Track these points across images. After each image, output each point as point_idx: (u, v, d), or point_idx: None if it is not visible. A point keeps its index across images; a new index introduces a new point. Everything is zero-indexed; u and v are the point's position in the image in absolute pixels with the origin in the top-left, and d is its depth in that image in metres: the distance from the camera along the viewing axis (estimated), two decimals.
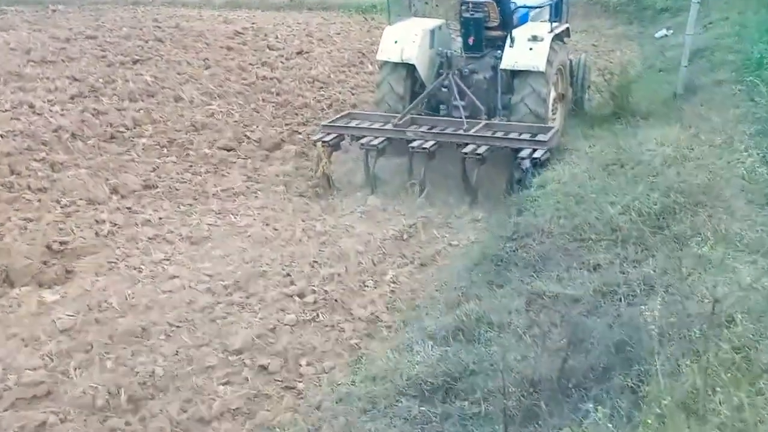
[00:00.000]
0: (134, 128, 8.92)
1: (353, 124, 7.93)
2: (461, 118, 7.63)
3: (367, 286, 5.73)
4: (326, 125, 7.93)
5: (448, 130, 7.55)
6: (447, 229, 6.81)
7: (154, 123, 9.15)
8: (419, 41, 8.03)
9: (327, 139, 7.62)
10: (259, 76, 11.19)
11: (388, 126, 7.66)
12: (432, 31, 8.30)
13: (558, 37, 8.13)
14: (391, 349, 4.58)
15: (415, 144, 7.26)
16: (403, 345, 4.61)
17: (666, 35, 13.46)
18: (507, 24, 7.96)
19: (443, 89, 8.09)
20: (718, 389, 3.25)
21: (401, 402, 3.99)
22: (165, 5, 17.62)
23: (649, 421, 3.01)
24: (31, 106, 9.07)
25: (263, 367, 4.62)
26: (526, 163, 6.82)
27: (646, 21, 15.18)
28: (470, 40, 8.10)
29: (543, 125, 7.52)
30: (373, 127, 7.76)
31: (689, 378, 3.33)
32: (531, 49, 7.51)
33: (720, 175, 6.01)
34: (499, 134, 7.38)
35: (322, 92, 10.92)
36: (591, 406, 3.14)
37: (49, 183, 7.35)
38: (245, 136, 9.10)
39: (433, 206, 7.19)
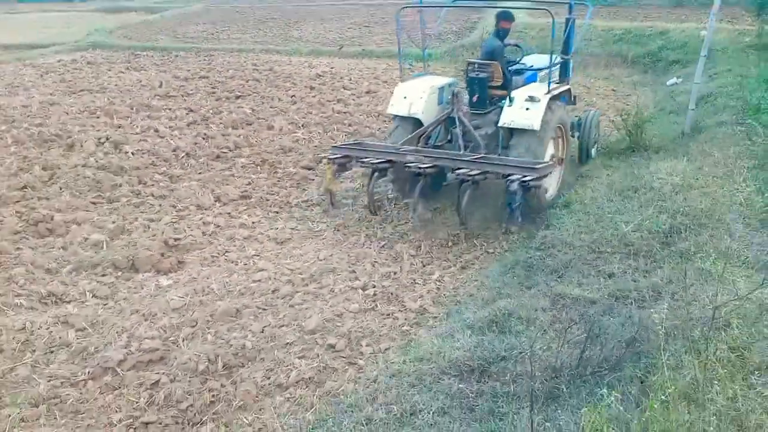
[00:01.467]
0: (235, 150, 9.12)
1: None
2: (461, 149, 7.01)
3: (417, 284, 5.72)
4: (336, 146, 7.40)
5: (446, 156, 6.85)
6: (484, 238, 6.75)
7: (251, 146, 9.33)
8: (426, 97, 7.44)
9: (332, 157, 7.09)
10: (335, 111, 11.30)
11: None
12: (441, 89, 7.67)
13: (558, 98, 7.34)
14: (436, 336, 4.56)
15: (411, 164, 6.65)
16: (446, 333, 4.59)
17: (676, 83, 13.05)
18: (509, 84, 7.38)
19: (448, 143, 7.50)
20: (715, 382, 3.15)
21: (443, 380, 3.96)
22: (262, 53, 18.02)
23: (655, 406, 2.94)
24: (156, 131, 9.39)
25: (331, 346, 4.66)
26: (514, 185, 6.05)
27: (659, 71, 14.74)
28: (475, 98, 7.44)
29: (537, 161, 6.67)
30: (375, 150, 7.13)
31: (690, 371, 3.24)
32: (527, 108, 6.82)
33: (721, 201, 5.80)
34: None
35: (386, 124, 10.97)
36: (605, 391, 3.06)
37: (168, 192, 7.60)
38: (323, 158, 9.20)
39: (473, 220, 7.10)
